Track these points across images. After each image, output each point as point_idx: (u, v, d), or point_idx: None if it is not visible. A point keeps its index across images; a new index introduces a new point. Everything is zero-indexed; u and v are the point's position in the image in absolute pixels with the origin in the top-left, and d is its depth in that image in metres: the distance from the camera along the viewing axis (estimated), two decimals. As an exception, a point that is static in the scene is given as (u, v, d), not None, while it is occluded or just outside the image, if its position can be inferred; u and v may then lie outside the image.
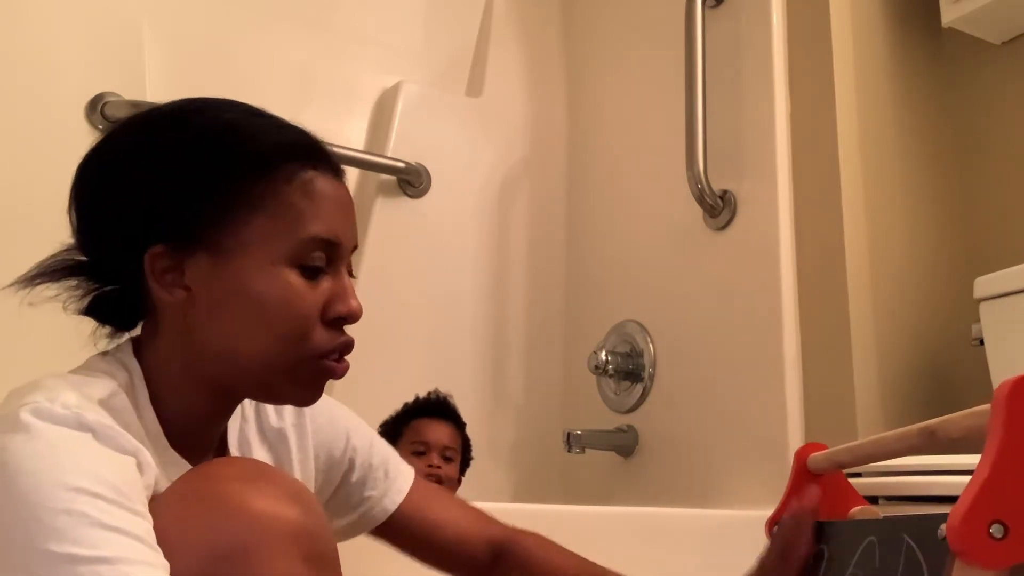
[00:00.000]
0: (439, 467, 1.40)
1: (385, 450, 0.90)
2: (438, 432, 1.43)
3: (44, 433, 0.58)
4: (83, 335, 0.76)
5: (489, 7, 2.06)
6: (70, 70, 1.52)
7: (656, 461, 1.63)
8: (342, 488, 0.87)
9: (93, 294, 0.74)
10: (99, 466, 0.58)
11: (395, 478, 0.89)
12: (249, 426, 0.81)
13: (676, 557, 1.20)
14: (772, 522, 0.86)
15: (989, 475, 0.51)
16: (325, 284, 0.70)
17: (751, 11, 1.55)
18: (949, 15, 1.46)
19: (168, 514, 0.60)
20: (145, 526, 0.58)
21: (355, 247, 0.75)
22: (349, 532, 0.88)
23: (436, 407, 1.47)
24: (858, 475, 1.11)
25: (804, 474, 0.83)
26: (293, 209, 0.69)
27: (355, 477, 0.87)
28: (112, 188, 0.70)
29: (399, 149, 1.83)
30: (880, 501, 1.09)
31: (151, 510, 0.60)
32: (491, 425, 1.82)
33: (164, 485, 0.65)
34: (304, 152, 0.71)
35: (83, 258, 0.72)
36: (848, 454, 0.75)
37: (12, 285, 0.71)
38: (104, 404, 0.65)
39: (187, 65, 1.68)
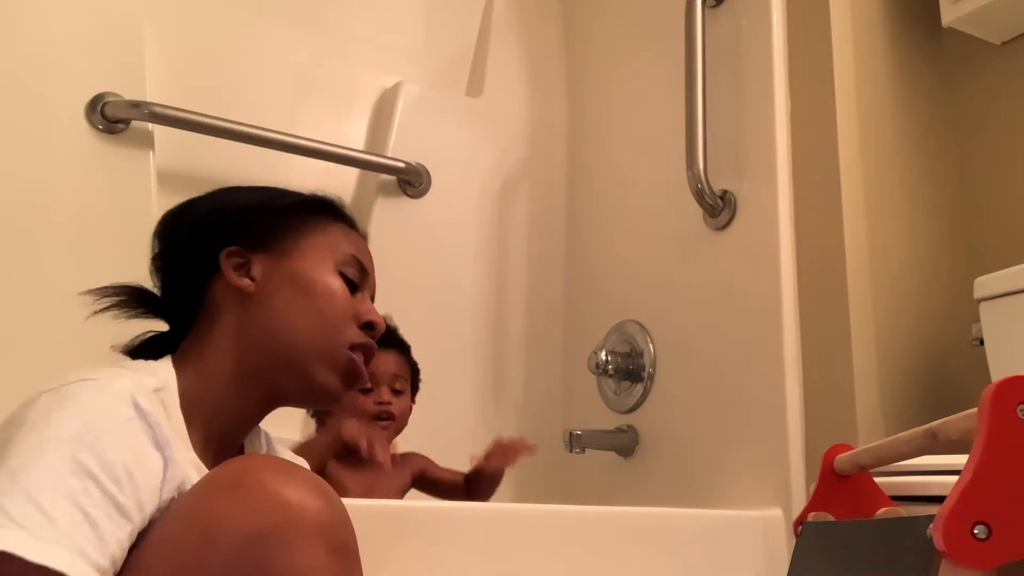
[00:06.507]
0: (389, 402, 1.30)
1: None
2: (384, 362, 1.29)
3: (93, 402, 0.66)
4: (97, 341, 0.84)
5: (489, 7, 2.05)
6: (70, 70, 1.52)
7: (656, 461, 1.63)
8: None
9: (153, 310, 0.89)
10: (116, 453, 0.65)
11: None
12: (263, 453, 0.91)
13: (676, 557, 1.20)
14: (799, 522, 0.86)
15: (972, 477, 0.52)
16: (358, 297, 0.89)
17: (751, 11, 1.55)
18: (949, 15, 1.46)
19: (204, 499, 0.67)
20: (118, 523, 0.63)
21: (373, 295, 0.94)
22: None
23: (380, 337, 1.32)
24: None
25: (831, 475, 0.84)
26: (336, 237, 0.90)
27: None
28: (208, 213, 0.89)
29: (399, 149, 1.83)
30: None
31: (190, 497, 0.68)
32: (491, 425, 1.81)
33: (188, 485, 0.71)
34: (346, 217, 0.94)
35: (149, 289, 0.88)
36: (868, 455, 0.76)
37: (93, 315, 0.84)
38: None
39: (187, 65, 1.68)
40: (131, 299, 0.87)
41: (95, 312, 0.84)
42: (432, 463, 1.40)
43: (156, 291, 0.89)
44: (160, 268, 0.89)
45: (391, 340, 1.34)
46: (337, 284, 0.86)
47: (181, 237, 0.89)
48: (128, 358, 0.87)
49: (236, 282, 0.84)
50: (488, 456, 1.36)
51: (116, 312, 0.85)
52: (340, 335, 0.85)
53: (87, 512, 0.61)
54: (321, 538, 0.65)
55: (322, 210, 0.91)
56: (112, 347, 0.87)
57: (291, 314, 0.83)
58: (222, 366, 0.82)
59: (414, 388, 1.39)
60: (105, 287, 0.85)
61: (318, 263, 0.86)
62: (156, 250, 0.89)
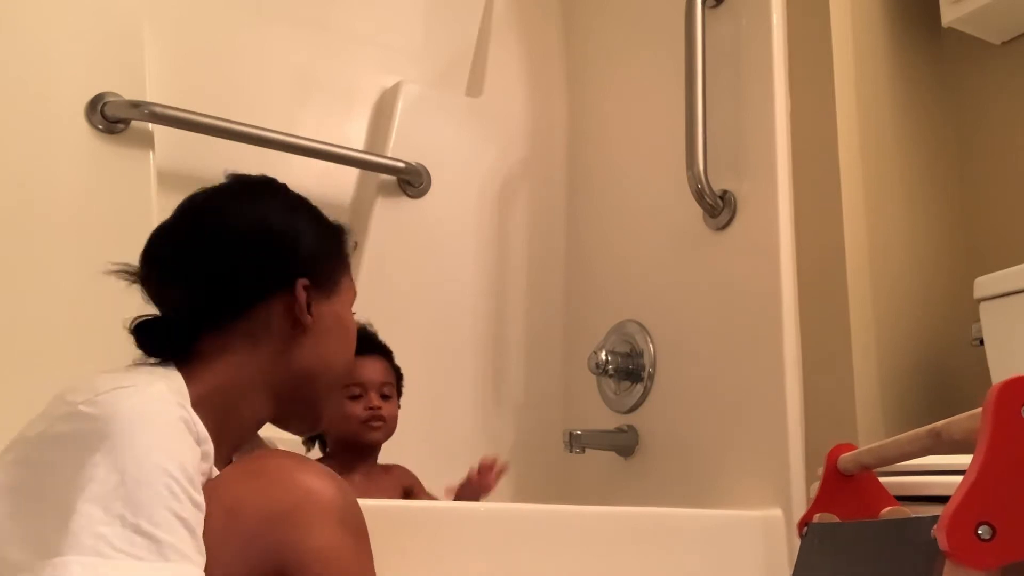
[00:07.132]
0: (379, 407, 1.33)
1: None
2: (372, 370, 1.34)
3: (144, 408, 0.68)
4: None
5: (489, 7, 2.05)
6: (70, 70, 1.52)
7: (656, 461, 1.63)
8: None
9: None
10: (183, 453, 0.68)
11: None
12: None
13: (676, 557, 1.20)
14: (803, 523, 0.86)
15: (976, 478, 0.52)
16: None
17: (751, 11, 1.55)
18: (949, 15, 1.46)
19: (227, 484, 0.71)
20: (199, 518, 0.66)
21: None
22: None
23: (364, 343, 1.24)
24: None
25: (835, 475, 0.83)
26: (350, 275, 0.94)
27: None
28: (278, 234, 0.87)
29: (399, 149, 1.83)
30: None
31: (217, 482, 0.72)
32: (491, 425, 1.81)
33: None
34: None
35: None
36: (871, 455, 0.76)
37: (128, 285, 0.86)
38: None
39: (187, 65, 1.68)
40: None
41: (130, 282, 0.86)
42: (420, 484, 1.40)
43: (179, 287, 0.85)
44: (203, 273, 0.84)
45: (375, 346, 1.37)
46: (355, 327, 0.93)
47: (236, 248, 0.85)
48: (135, 346, 0.83)
49: (302, 317, 0.85)
50: (461, 489, 1.37)
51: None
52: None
53: (181, 516, 0.63)
54: (337, 518, 0.70)
55: (343, 242, 0.94)
56: (124, 321, 0.83)
57: (332, 355, 0.89)
58: (249, 385, 0.82)
59: (398, 392, 1.41)
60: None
61: (348, 304, 0.92)
62: (196, 251, 0.85)
